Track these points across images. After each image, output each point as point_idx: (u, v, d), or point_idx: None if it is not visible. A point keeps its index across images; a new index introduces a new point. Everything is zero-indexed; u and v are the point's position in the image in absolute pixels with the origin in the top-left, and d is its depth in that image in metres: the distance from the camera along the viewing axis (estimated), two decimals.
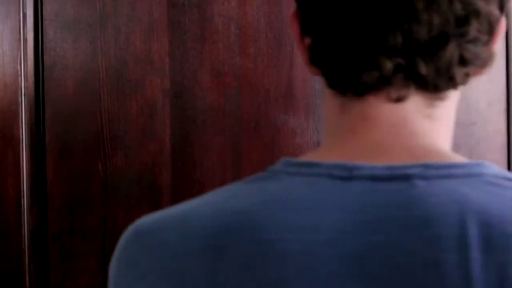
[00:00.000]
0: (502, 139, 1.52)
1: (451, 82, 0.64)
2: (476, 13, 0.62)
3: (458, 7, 0.61)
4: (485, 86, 1.50)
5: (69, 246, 1.40)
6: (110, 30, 1.40)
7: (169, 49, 1.39)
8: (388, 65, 0.61)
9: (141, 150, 1.39)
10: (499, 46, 0.66)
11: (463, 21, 0.61)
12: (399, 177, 0.60)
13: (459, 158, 0.64)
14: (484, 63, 0.65)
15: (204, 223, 0.60)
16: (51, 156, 1.38)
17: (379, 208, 0.59)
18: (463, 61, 0.63)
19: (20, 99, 1.37)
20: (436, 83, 0.63)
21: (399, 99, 0.63)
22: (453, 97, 0.67)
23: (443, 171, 0.61)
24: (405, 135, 0.64)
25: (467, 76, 0.64)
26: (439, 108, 0.65)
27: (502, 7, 0.65)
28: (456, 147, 0.71)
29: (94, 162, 1.39)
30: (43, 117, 1.38)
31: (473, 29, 0.62)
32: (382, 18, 0.61)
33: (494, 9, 0.63)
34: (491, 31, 0.64)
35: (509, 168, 1.52)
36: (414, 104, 0.64)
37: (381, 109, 0.64)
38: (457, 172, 0.61)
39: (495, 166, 0.63)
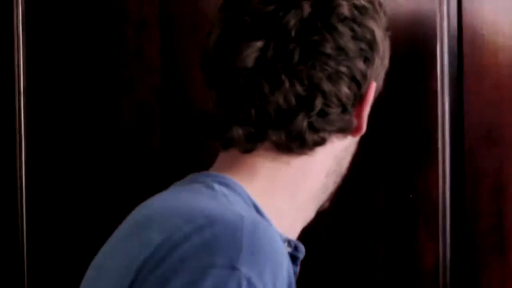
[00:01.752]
0: None
1: (305, 145, 0.81)
2: (321, 93, 0.79)
3: (299, 89, 0.78)
4: None
5: None
6: None
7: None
8: (239, 131, 0.81)
9: None
10: None
11: (306, 100, 0.79)
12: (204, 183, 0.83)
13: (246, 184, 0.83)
14: (341, 129, 0.82)
15: None
16: None
17: None
18: (313, 129, 0.80)
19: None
20: (288, 146, 0.81)
21: (246, 151, 0.83)
22: (315, 155, 0.83)
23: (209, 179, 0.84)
24: (234, 169, 0.84)
25: (323, 139, 0.81)
26: (291, 156, 0.82)
27: (358, 85, 0.81)
28: None
29: None
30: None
31: (319, 104, 0.79)
32: (241, 95, 0.81)
33: (343, 89, 0.80)
34: (343, 105, 0.80)
35: None
36: (261, 153, 0.83)
37: (233, 153, 0.84)
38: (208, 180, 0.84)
39: (223, 178, 0.83)
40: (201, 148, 1.23)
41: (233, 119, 0.82)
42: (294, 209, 0.84)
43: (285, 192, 0.83)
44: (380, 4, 0.84)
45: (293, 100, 0.78)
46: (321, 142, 0.81)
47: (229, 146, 0.84)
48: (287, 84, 0.78)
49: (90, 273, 0.83)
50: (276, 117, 0.79)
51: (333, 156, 0.84)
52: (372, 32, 0.81)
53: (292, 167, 0.83)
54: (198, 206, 0.76)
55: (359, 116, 0.83)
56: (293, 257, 0.81)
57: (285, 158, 0.82)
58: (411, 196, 1.15)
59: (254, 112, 0.80)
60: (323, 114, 0.79)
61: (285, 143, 0.81)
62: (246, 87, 0.80)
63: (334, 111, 0.80)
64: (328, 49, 0.78)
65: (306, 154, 0.82)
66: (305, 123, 0.79)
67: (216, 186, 0.80)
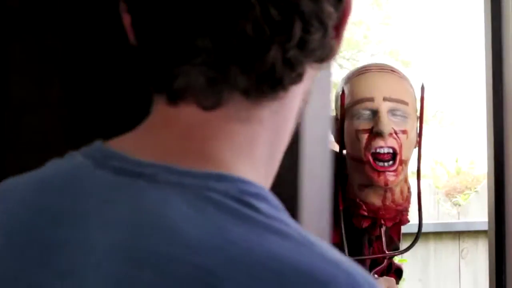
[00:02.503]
0: None
1: (279, 86, 0.60)
2: (299, 15, 0.58)
3: (274, 13, 0.57)
4: None
5: None
6: None
7: None
8: (197, 74, 0.58)
9: None
10: None
11: (282, 26, 0.58)
12: (132, 173, 0.58)
13: (233, 170, 0.58)
14: (320, 58, 0.62)
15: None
16: None
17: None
18: (289, 64, 0.59)
19: None
20: (258, 90, 0.59)
21: (209, 108, 0.59)
22: (288, 96, 0.62)
23: (176, 178, 0.57)
24: (195, 138, 0.60)
25: (300, 76, 0.60)
26: (264, 110, 0.61)
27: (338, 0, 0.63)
28: None
29: None
30: None
31: (298, 31, 0.58)
32: (192, 22, 0.57)
33: (326, 7, 0.60)
34: (325, 28, 0.60)
35: None
36: (227, 109, 0.60)
37: (185, 112, 0.60)
38: (187, 181, 0.57)
39: (245, 183, 0.58)
40: None
41: (182, 56, 0.58)
42: (264, 181, 0.63)
43: (261, 164, 0.62)
44: None
45: (265, 28, 0.57)
46: (298, 79, 0.61)
47: (179, 98, 0.60)
48: (258, 7, 0.57)
49: None
50: (243, 52, 0.57)
51: (303, 93, 0.64)
52: None
53: (265, 127, 0.62)
54: (260, 248, 0.54)
55: (338, 37, 0.63)
56: None
57: (256, 113, 0.60)
58: None
59: (212, 45, 0.57)
60: (302, 43, 0.58)
61: (255, 86, 0.58)
62: (200, 11, 0.57)
63: (315, 37, 0.59)
64: None
65: (278, 99, 0.61)
66: (279, 57, 0.57)
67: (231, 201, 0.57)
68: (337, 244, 1.49)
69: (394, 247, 1.58)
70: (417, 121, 1.47)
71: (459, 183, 5.95)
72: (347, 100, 1.43)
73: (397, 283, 1.63)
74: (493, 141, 2.04)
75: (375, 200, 1.44)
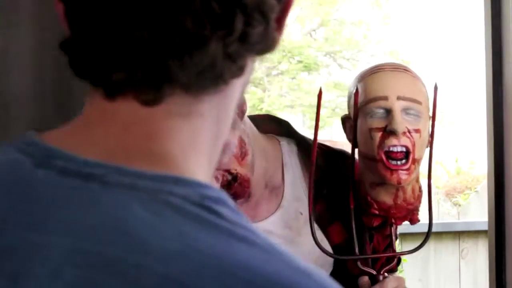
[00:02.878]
0: None
1: (220, 80, 0.58)
2: (241, 8, 0.56)
3: (215, 6, 0.55)
4: None
5: None
6: None
7: None
8: (136, 67, 0.55)
9: None
10: None
11: (222, 20, 0.55)
12: (80, 174, 0.54)
13: (183, 170, 0.56)
14: (261, 51, 0.60)
15: None
16: None
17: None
18: (230, 58, 0.57)
19: None
20: (198, 84, 0.57)
21: (149, 102, 0.56)
22: (229, 89, 0.60)
23: (128, 180, 0.54)
24: (138, 135, 0.57)
25: (241, 69, 0.58)
26: (205, 103, 0.59)
27: None
28: None
29: None
30: None
31: (239, 24, 0.56)
32: (130, 14, 0.54)
33: None
34: (267, 20, 0.57)
35: None
36: (168, 104, 0.57)
37: (124, 107, 0.57)
38: (141, 183, 0.54)
39: (204, 187, 0.55)
40: None
41: (120, 49, 0.55)
42: (208, 177, 0.62)
43: (205, 159, 0.61)
44: None
45: (206, 22, 0.55)
46: (240, 72, 0.59)
47: (118, 93, 0.57)
48: (198, 0, 0.55)
49: None
50: (183, 46, 0.55)
51: (243, 84, 0.63)
52: None
53: (207, 121, 0.60)
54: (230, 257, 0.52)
55: (280, 29, 0.61)
56: None
57: (198, 107, 0.58)
58: None
59: (150, 38, 0.55)
60: (243, 37, 0.56)
61: (196, 81, 0.56)
62: (139, 2, 0.55)
63: (257, 30, 0.57)
64: None
65: (219, 92, 0.59)
66: (220, 52, 0.55)
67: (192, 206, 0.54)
68: (345, 240, 1.50)
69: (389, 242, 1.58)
70: (430, 120, 1.47)
71: (459, 183, 5.95)
72: (360, 99, 1.43)
73: (396, 270, 1.63)
74: (493, 141, 2.04)
75: (387, 198, 1.44)
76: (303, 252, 1.45)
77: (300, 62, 9.24)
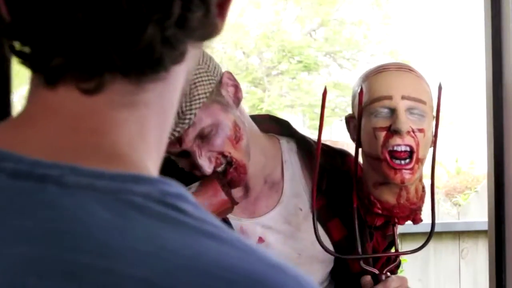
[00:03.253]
0: None
1: (159, 66, 0.55)
2: None
3: None
4: None
5: None
6: None
7: None
8: (75, 51, 0.53)
9: None
10: None
11: (159, 3, 0.53)
12: (32, 176, 0.51)
13: (137, 165, 0.55)
14: (202, 37, 0.58)
15: None
16: None
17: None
18: (169, 43, 0.55)
19: None
20: (138, 71, 0.55)
21: (90, 91, 0.54)
22: (172, 77, 0.58)
23: (86, 180, 0.51)
24: (85, 130, 0.54)
25: (182, 55, 0.56)
26: (148, 92, 0.57)
27: None
28: None
29: None
30: None
31: (177, 8, 0.54)
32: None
33: None
34: (207, 5, 0.56)
35: None
36: (111, 93, 0.55)
37: (67, 99, 0.55)
38: (99, 184, 0.51)
39: (164, 183, 0.53)
40: None
41: (57, 31, 0.53)
42: (157, 168, 0.60)
43: (153, 150, 0.59)
44: None
45: (142, 5, 0.53)
46: (180, 59, 0.57)
47: (58, 80, 0.55)
48: None
49: None
50: (119, 30, 0.53)
51: (186, 72, 0.61)
52: None
53: (152, 110, 0.58)
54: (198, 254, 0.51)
55: (222, 14, 0.59)
56: None
57: (141, 96, 0.57)
58: None
59: (86, 22, 0.53)
60: (181, 21, 0.55)
61: (135, 67, 0.55)
62: None
63: (196, 16, 0.55)
64: None
65: (162, 80, 0.57)
66: (158, 36, 0.54)
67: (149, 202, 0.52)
68: (345, 237, 1.50)
69: (391, 239, 1.58)
70: (433, 120, 1.47)
71: (459, 183, 5.96)
72: (365, 98, 1.43)
73: (396, 272, 1.64)
74: (493, 141, 2.04)
75: (390, 198, 1.44)
76: (303, 248, 1.45)
77: (300, 62, 9.24)
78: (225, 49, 9.12)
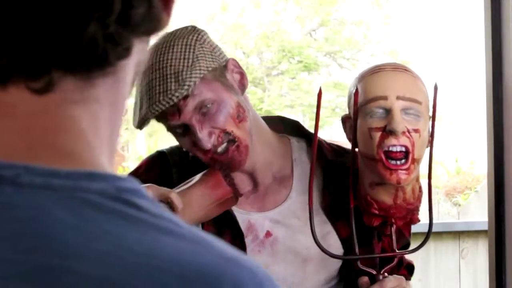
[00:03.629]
0: None
1: (105, 61, 0.55)
2: None
3: None
4: None
5: None
6: None
7: None
8: (21, 49, 0.53)
9: None
10: None
11: (101, 1, 0.54)
12: None
13: (92, 161, 0.55)
14: (147, 31, 0.58)
15: None
16: None
17: None
18: (113, 41, 0.55)
19: None
20: (83, 66, 0.55)
21: (40, 90, 0.54)
22: (120, 71, 0.58)
23: (41, 180, 0.51)
24: (39, 129, 0.54)
25: (127, 51, 0.56)
26: (98, 88, 0.57)
27: None
28: None
29: None
30: None
31: (118, 5, 0.54)
32: None
33: None
34: (149, 0, 0.56)
35: None
36: (61, 91, 0.55)
37: (19, 99, 0.54)
38: (55, 183, 0.51)
39: (119, 179, 0.54)
40: None
41: (2, 29, 0.53)
42: (111, 164, 0.60)
43: (106, 146, 0.59)
44: None
45: (82, 3, 0.53)
46: (125, 54, 0.57)
47: (7, 78, 0.55)
48: None
49: None
50: (61, 28, 0.53)
51: (135, 65, 0.61)
52: None
53: (103, 105, 0.58)
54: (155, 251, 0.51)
55: (167, 8, 0.59)
56: None
57: (91, 92, 0.57)
58: None
59: (26, 18, 0.53)
60: (123, 18, 0.55)
61: (80, 64, 0.55)
62: None
63: (138, 11, 0.55)
64: None
65: (110, 75, 0.57)
66: (100, 33, 0.54)
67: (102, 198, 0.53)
68: (347, 238, 1.50)
69: (404, 243, 1.58)
70: (430, 120, 1.47)
71: (459, 183, 5.96)
72: (360, 99, 1.43)
73: (409, 279, 1.63)
74: (493, 141, 2.04)
75: (386, 198, 1.44)
76: (312, 243, 1.45)
77: (300, 62, 9.24)
78: (225, 49, 9.12)
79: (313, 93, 9.28)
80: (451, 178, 6.20)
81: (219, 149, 1.39)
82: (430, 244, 4.56)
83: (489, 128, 2.05)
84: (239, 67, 1.44)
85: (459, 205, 5.01)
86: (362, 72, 1.49)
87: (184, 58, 1.36)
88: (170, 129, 1.42)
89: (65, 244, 0.49)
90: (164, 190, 1.30)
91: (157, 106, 1.35)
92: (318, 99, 1.43)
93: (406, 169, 1.40)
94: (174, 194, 1.30)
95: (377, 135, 1.40)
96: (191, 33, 1.40)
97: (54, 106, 0.55)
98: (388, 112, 1.40)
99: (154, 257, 0.49)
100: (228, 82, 1.40)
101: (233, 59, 1.44)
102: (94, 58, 0.55)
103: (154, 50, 1.40)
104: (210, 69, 1.37)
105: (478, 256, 4.68)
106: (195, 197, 1.34)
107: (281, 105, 9.12)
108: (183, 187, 1.36)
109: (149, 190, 1.27)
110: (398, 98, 1.41)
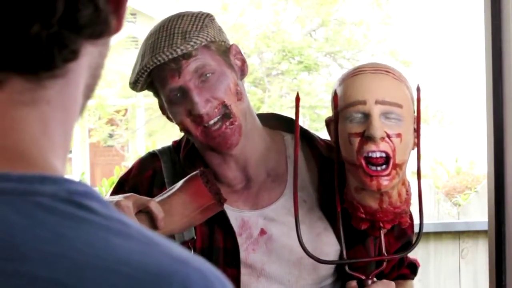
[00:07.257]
0: None
1: (51, 63, 0.55)
2: None
3: None
4: None
5: None
6: None
7: None
8: None
9: None
10: None
11: (44, 2, 0.54)
12: None
13: (43, 164, 0.55)
14: (95, 34, 0.58)
15: None
16: None
17: None
18: (58, 43, 0.55)
19: None
20: (30, 67, 0.55)
21: None
22: (70, 74, 0.58)
23: None
24: None
25: (74, 53, 0.56)
26: (48, 90, 0.56)
27: None
28: None
29: None
30: None
31: (61, 6, 0.54)
32: None
33: None
34: (95, 2, 0.56)
35: None
36: (9, 92, 0.55)
37: None
38: (7, 186, 0.52)
39: (70, 182, 0.54)
40: None
41: None
42: (64, 165, 0.60)
43: (59, 147, 0.58)
44: None
45: (25, 4, 0.53)
46: (72, 56, 0.57)
47: None
48: None
49: None
50: (4, 28, 0.54)
51: (87, 67, 0.60)
52: None
53: (54, 107, 0.57)
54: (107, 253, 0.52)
55: (117, 12, 0.59)
56: None
57: (41, 94, 0.56)
58: None
59: None
60: (67, 19, 0.55)
61: (26, 65, 0.55)
62: None
63: (84, 13, 0.55)
64: None
65: (60, 77, 0.57)
66: (44, 35, 0.54)
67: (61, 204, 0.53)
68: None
69: (407, 241, 1.56)
70: (414, 122, 1.44)
71: (459, 183, 5.95)
72: (340, 103, 1.40)
73: (411, 278, 1.62)
74: (493, 141, 2.04)
75: (372, 203, 1.40)
76: (307, 240, 1.43)
77: (300, 62, 9.24)
78: None
79: (314, 94, 9.29)
80: (451, 178, 6.19)
81: (212, 121, 1.37)
82: (430, 244, 4.56)
83: (489, 128, 2.05)
84: (241, 54, 1.45)
85: (459, 205, 5.01)
86: (343, 74, 1.46)
87: (193, 24, 1.38)
88: (166, 98, 1.39)
89: (15, 247, 0.50)
90: (144, 199, 1.28)
91: (160, 56, 1.34)
92: (297, 105, 1.41)
93: (387, 175, 1.36)
94: (153, 203, 1.27)
95: (356, 140, 1.36)
96: (201, 12, 1.43)
97: (2, 107, 0.55)
98: (367, 117, 1.36)
99: (104, 258, 0.50)
100: (229, 60, 1.41)
101: (236, 45, 1.45)
102: (40, 59, 0.55)
103: (164, 19, 1.41)
104: (217, 39, 1.38)
105: (478, 256, 4.68)
106: (175, 206, 1.30)
107: (282, 107, 9.11)
108: (163, 195, 1.32)
109: (129, 200, 1.24)
110: (377, 102, 1.36)
